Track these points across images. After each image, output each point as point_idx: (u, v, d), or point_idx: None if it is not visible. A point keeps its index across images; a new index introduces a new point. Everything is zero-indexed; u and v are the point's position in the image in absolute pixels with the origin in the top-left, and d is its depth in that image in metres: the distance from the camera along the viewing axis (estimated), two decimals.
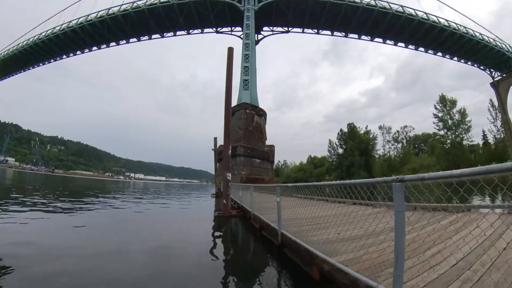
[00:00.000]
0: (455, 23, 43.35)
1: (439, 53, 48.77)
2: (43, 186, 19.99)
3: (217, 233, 6.43)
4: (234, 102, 25.01)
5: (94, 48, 49.84)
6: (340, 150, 63.37)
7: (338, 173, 59.56)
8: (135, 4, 40.89)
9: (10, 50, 53.20)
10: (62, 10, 47.92)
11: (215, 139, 26.49)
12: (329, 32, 45.86)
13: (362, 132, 62.24)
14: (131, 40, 47.66)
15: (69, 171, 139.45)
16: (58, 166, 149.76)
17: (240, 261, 4.21)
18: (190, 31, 46.20)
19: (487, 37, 45.25)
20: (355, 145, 58.59)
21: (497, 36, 45.71)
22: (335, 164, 63.77)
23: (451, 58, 49.86)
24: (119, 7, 41.58)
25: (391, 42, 46.87)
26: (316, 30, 45.67)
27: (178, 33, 46.43)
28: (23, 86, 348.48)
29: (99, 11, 42.64)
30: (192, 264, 3.62)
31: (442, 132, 52.52)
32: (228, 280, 3.12)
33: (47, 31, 47.03)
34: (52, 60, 55.18)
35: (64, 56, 53.34)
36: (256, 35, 39.15)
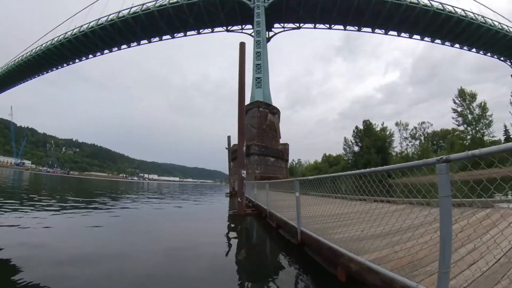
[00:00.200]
0: (472, 12, 41.58)
1: (457, 45, 47.00)
2: (59, 187, 20.13)
3: (232, 233, 6.21)
4: (247, 101, 24.52)
5: (106, 51, 50.69)
6: (356, 148, 62.29)
7: None
8: (144, 6, 41.27)
9: (24, 56, 54.83)
10: (72, 16, 49.17)
11: (229, 137, 26.06)
12: (341, 27, 44.83)
13: (378, 129, 60.68)
14: (142, 42, 48.14)
15: (84, 173, 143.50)
16: (73, 168, 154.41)
17: (256, 261, 4.02)
18: (201, 30, 46.15)
19: (507, 26, 43.22)
20: (371, 142, 56.96)
21: None
22: (350, 162, 62.33)
23: (469, 50, 48.00)
24: (128, 9, 42.09)
25: (406, 35, 45.49)
26: (328, 25, 44.75)
27: (188, 33, 46.51)
28: (37, 91, 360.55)
29: (110, 15, 43.33)
30: (206, 266, 3.39)
31: (461, 128, 50.87)
32: (244, 283, 2.93)
33: (59, 36, 48.24)
34: (65, 64, 56.57)
35: (77, 60, 54.50)
36: (267, 32, 38.50)
